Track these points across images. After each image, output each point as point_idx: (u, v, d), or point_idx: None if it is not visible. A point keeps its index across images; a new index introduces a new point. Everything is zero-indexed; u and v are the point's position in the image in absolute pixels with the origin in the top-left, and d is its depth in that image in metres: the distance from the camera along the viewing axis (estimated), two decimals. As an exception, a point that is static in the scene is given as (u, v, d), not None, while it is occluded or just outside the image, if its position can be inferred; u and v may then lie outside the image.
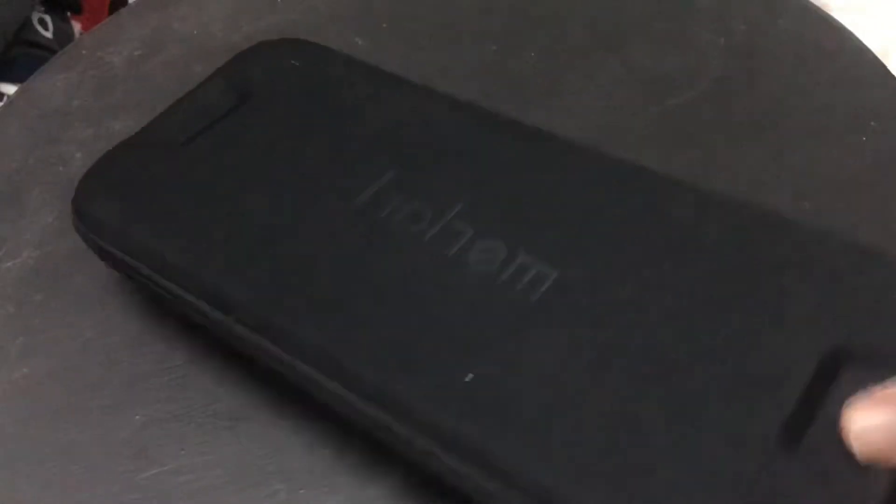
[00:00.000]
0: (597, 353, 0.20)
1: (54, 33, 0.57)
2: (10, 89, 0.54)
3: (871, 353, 0.18)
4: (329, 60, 0.29)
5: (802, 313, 0.20)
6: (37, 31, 0.56)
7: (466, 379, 0.19)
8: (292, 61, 0.28)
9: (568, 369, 0.19)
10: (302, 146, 0.26)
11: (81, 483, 0.24)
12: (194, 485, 0.23)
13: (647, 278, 0.21)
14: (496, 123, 0.26)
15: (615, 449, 0.18)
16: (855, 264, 0.20)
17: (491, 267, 0.22)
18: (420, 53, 0.33)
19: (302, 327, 0.21)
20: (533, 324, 0.20)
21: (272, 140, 0.26)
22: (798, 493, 0.17)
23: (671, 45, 0.32)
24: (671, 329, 0.20)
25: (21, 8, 0.54)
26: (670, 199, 0.23)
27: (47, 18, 0.57)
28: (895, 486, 0.16)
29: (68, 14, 0.61)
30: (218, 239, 0.24)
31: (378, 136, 0.26)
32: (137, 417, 0.25)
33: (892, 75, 0.30)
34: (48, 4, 0.58)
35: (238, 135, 0.27)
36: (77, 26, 0.62)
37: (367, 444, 0.23)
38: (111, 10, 0.65)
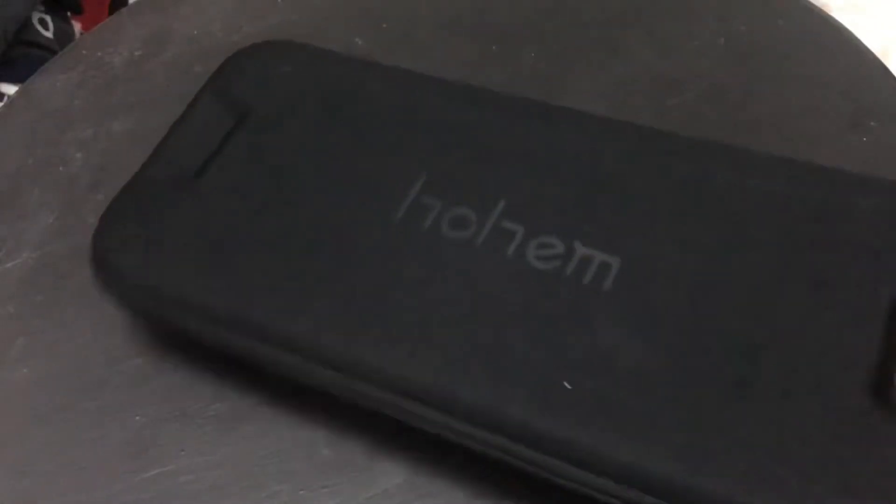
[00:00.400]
0: (684, 331, 0.19)
1: (54, 33, 0.57)
2: (10, 89, 0.54)
3: None
4: (316, 60, 0.27)
5: (866, 261, 0.19)
6: (37, 31, 0.56)
7: (567, 385, 0.19)
8: (283, 67, 0.27)
9: (661, 352, 0.19)
10: (323, 162, 0.24)
11: (81, 483, 0.24)
12: (195, 486, 0.23)
13: (709, 249, 0.20)
14: (518, 107, 0.24)
15: (726, 427, 0.18)
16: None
17: (554, 263, 0.21)
18: (420, 53, 0.32)
19: (388, 359, 0.20)
20: (615, 313, 0.20)
21: (290, 160, 0.25)
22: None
23: (671, 45, 0.32)
24: (746, 295, 0.20)
25: (21, 8, 0.54)
26: (710, 164, 0.22)
27: (47, 18, 0.57)
28: None
29: (68, 14, 0.61)
30: (271, 276, 0.22)
31: (396, 139, 0.24)
32: (137, 418, 0.25)
33: (892, 75, 0.30)
34: (48, 4, 0.58)
35: (252, 158, 0.25)
36: (77, 26, 0.62)
37: (367, 446, 0.23)
38: (111, 10, 0.65)
